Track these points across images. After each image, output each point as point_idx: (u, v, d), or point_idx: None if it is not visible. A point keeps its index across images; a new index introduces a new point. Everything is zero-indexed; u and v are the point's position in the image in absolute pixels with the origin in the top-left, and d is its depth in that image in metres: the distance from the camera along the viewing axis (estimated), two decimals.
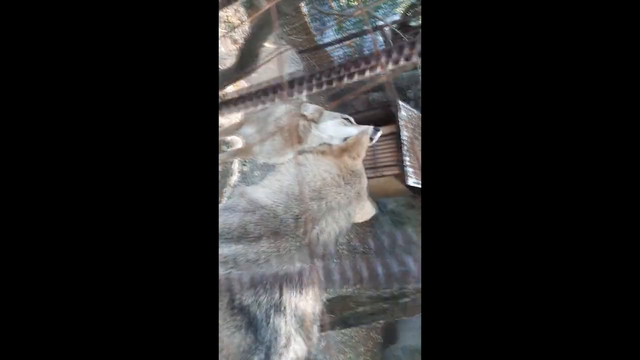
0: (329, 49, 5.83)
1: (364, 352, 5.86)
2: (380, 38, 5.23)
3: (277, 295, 0.67)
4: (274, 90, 0.55)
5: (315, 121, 1.71)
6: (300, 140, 1.75)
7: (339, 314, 1.47)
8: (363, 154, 0.94)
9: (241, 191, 0.84)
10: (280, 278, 0.69)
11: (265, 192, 0.81)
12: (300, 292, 0.70)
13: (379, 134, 1.53)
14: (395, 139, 6.72)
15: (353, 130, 1.60)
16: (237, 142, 2.39)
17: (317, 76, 0.52)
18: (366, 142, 0.96)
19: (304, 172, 0.85)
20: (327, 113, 1.74)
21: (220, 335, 0.60)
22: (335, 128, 1.64)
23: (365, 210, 0.95)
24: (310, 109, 1.74)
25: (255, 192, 0.83)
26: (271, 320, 0.65)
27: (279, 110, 1.86)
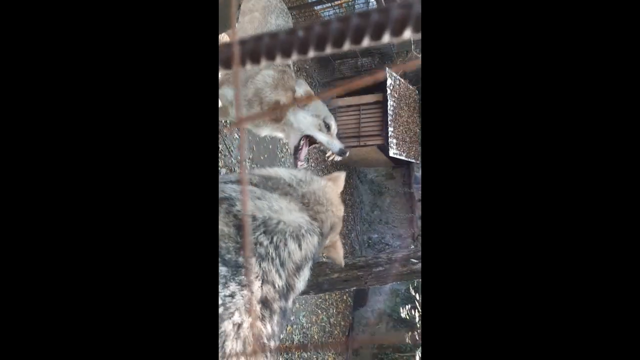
0: (319, 7, 5.56)
1: (336, 314, 6.18)
2: None
3: (274, 224, 0.72)
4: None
5: (299, 106, 1.56)
6: (277, 120, 1.60)
7: (314, 279, 1.50)
8: (341, 187, 1.09)
9: (252, 172, 0.94)
10: (283, 222, 0.74)
11: (284, 170, 0.95)
12: (297, 239, 0.75)
13: (347, 154, 1.58)
14: (380, 108, 6.63)
15: (321, 137, 1.52)
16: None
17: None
18: (344, 178, 1.13)
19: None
20: (314, 105, 1.59)
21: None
22: (308, 126, 1.55)
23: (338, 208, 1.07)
24: (302, 90, 1.57)
25: (273, 167, 0.96)
26: (256, 235, 0.69)
27: (260, 76, 1.70)
